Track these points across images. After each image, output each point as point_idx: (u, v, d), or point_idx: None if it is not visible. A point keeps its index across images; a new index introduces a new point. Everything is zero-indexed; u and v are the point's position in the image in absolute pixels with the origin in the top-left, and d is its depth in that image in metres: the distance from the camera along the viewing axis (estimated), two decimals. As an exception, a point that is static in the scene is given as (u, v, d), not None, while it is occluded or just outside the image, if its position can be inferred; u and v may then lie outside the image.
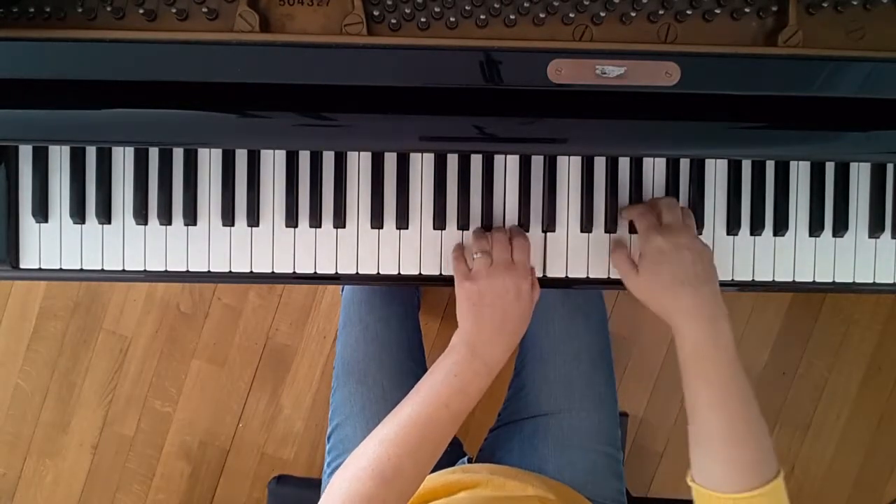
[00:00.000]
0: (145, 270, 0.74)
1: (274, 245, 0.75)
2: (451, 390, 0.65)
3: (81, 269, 0.74)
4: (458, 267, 0.70)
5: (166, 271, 0.74)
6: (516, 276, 0.67)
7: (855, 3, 0.63)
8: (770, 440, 0.64)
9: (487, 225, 0.75)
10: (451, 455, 0.92)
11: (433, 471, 0.80)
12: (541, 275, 0.76)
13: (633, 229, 0.76)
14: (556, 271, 0.76)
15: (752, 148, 0.68)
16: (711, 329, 0.64)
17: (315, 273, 0.75)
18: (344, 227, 0.75)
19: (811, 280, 0.76)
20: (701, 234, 0.76)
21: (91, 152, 0.73)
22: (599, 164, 0.75)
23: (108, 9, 0.63)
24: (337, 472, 0.63)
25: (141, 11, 0.63)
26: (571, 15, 0.64)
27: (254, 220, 0.74)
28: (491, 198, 0.75)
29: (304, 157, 0.74)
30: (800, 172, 0.76)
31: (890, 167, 0.75)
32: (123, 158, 0.73)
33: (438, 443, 0.65)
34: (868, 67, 0.63)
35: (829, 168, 0.76)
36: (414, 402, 0.65)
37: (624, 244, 0.75)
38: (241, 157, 0.74)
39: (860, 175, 0.76)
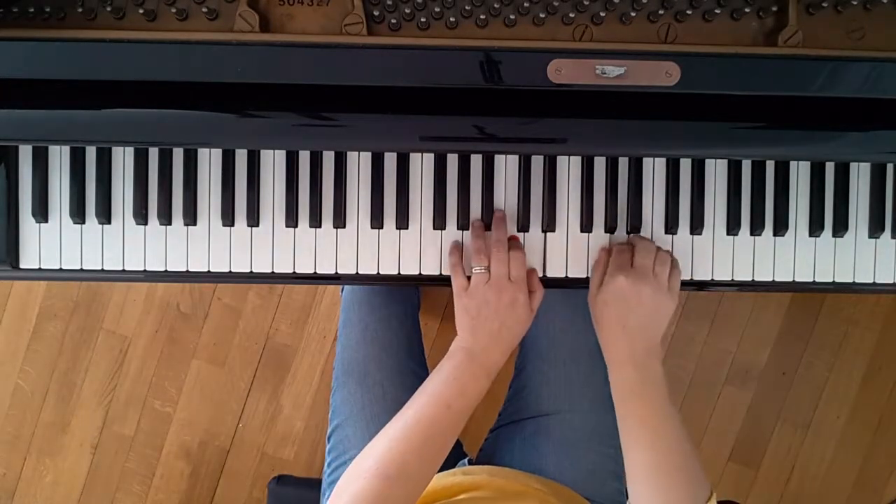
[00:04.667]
0: (145, 270, 0.74)
1: (274, 245, 0.75)
2: (452, 392, 0.68)
3: (81, 269, 0.74)
4: (456, 279, 0.73)
5: (166, 271, 0.74)
6: (513, 291, 0.70)
7: (855, 3, 0.63)
8: (700, 467, 0.67)
9: (487, 223, 0.75)
10: (452, 456, 0.92)
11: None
12: (541, 275, 0.76)
13: (632, 229, 0.76)
14: (556, 271, 0.76)
15: (752, 148, 0.68)
16: (640, 373, 0.69)
17: (315, 273, 0.75)
18: (344, 227, 0.75)
19: (811, 280, 0.76)
20: (701, 234, 0.76)
21: (91, 152, 0.73)
22: (599, 164, 0.75)
23: (108, 9, 0.62)
24: (343, 473, 0.65)
25: (141, 11, 0.63)
26: (571, 15, 0.63)
27: (254, 220, 0.74)
28: (491, 198, 0.75)
29: (304, 157, 0.74)
30: (800, 172, 0.76)
31: (890, 167, 0.75)
32: (123, 158, 0.73)
33: (442, 442, 0.67)
34: (868, 67, 0.62)
35: (829, 168, 0.75)
36: (417, 405, 0.68)
37: (606, 253, 0.75)
38: (241, 157, 0.74)
39: (860, 175, 0.76)
